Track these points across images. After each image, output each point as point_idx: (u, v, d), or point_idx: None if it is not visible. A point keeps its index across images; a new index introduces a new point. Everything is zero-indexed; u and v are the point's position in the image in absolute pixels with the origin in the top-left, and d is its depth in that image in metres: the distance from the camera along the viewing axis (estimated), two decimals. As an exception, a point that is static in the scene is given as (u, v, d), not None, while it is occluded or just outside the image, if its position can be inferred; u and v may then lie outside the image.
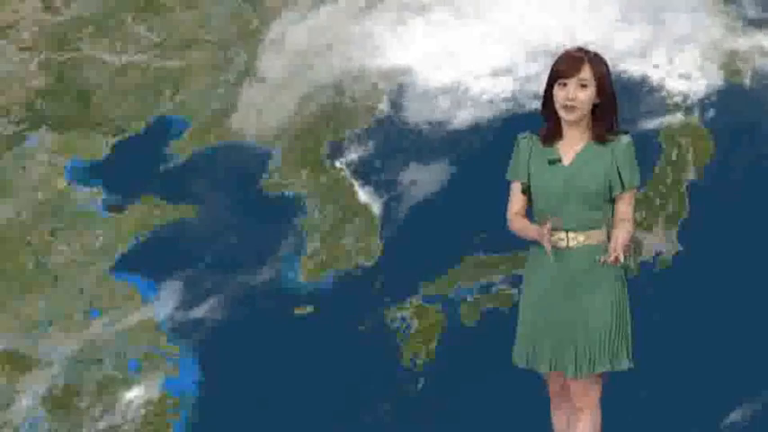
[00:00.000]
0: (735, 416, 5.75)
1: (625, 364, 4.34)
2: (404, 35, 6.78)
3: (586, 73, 4.26)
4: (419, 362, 6.01)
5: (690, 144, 6.51)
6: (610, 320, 4.28)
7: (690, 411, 5.72)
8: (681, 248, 6.21)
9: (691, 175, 6.44)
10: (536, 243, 4.35)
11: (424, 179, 6.49)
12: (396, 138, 6.59)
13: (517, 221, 4.43)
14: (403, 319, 6.11)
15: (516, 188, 4.46)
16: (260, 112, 6.65)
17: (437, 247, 6.24)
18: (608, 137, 4.30)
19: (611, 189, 4.29)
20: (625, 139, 4.30)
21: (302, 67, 6.74)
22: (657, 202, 6.36)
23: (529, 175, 4.38)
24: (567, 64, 4.28)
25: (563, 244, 4.30)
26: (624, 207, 4.30)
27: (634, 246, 5.69)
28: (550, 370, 4.39)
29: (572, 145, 4.34)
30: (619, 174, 4.27)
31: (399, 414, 5.83)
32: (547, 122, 4.42)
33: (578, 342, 4.30)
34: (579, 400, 4.39)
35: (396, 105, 6.69)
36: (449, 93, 6.73)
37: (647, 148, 6.33)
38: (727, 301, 5.97)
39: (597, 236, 4.31)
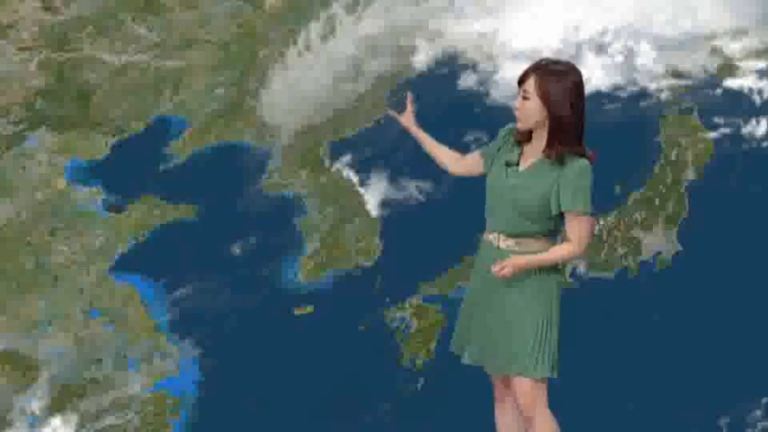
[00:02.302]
0: (734, 414, 5.75)
1: (540, 371, 4.24)
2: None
3: (529, 85, 4.16)
4: (419, 362, 6.01)
5: (689, 144, 6.52)
6: (528, 328, 4.22)
7: (689, 410, 5.72)
8: (680, 248, 6.22)
9: (690, 175, 6.45)
10: (481, 237, 4.35)
11: (425, 177, 6.49)
12: (396, 136, 6.59)
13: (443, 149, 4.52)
14: (403, 319, 6.11)
15: (476, 153, 4.43)
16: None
17: (437, 247, 6.24)
18: (557, 157, 4.16)
19: (550, 207, 4.19)
20: (579, 163, 4.07)
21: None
22: (657, 202, 6.36)
23: (490, 165, 4.34)
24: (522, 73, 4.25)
25: (495, 243, 4.29)
26: (570, 229, 4.19)
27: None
28: (472, 363, 4.37)
29: (531, 154, 4.27)
30: (558, 195, 4.16)
31: (399, 414, 5.83)
32: None
33: (496, 341, 4.27)
34: (524, 408, 4.32)
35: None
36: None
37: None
38: (727, 300, 5.97)
39: (531, 244, 4.20)
